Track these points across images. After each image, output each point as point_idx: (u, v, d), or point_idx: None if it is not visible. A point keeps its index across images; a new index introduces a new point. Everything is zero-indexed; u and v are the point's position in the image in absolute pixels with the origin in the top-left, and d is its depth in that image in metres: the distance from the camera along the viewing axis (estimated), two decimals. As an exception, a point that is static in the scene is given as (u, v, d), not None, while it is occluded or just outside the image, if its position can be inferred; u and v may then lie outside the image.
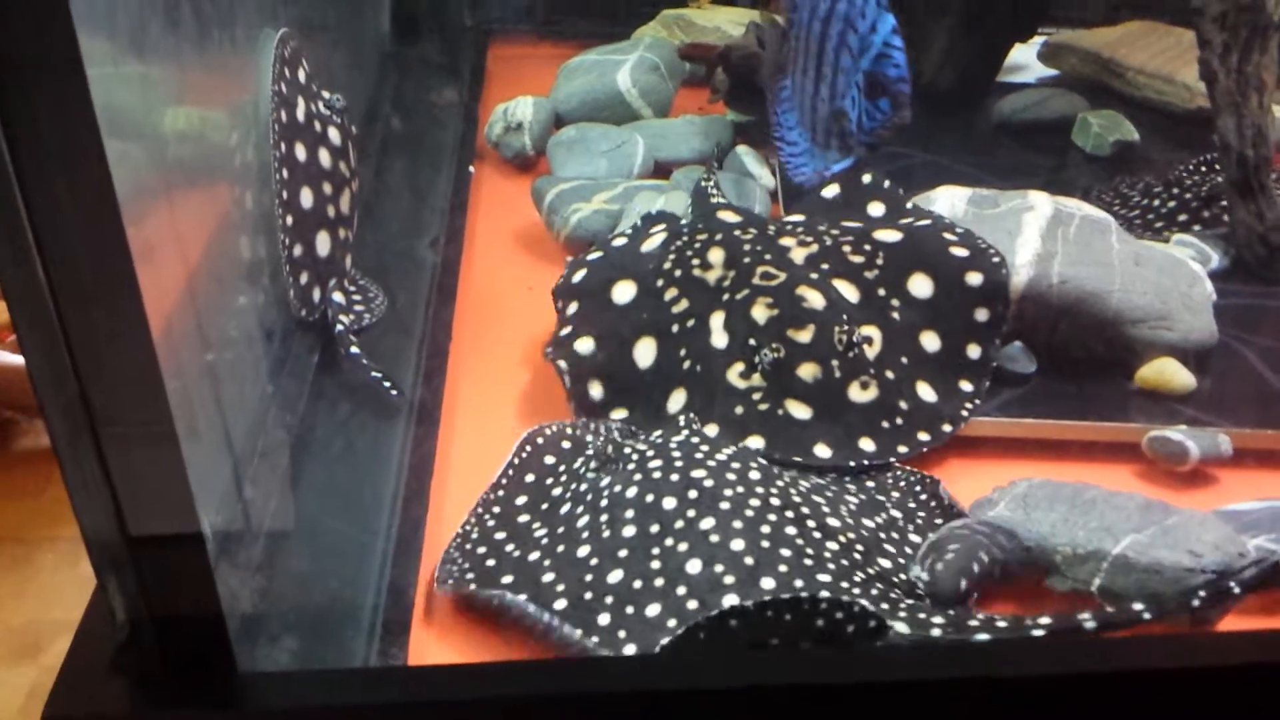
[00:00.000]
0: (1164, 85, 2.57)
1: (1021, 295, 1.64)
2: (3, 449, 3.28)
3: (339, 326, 1.67)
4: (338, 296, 1.71)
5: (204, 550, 1.10)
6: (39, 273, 0.95)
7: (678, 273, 1.68)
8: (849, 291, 1.65)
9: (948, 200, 1.84)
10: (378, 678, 1.16)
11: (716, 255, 1.67)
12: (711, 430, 1.51)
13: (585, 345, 1.61)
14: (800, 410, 1.51)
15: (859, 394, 1.52)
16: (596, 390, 1.59)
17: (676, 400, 1.57)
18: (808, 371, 1.52)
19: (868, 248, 1.70)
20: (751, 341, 1.54)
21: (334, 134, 1.70)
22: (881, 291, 1.65)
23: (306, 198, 1.63)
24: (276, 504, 1.43)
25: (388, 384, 1.60)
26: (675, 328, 1.62)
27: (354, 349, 1.63)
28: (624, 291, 1.68)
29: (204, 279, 1.32)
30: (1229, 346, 1.73)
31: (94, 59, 0.90)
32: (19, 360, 3.03)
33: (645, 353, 1.61)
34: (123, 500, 1.05)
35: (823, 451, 1.49)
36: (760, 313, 1.56)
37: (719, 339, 1.58)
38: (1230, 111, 1.84)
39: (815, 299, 1.57)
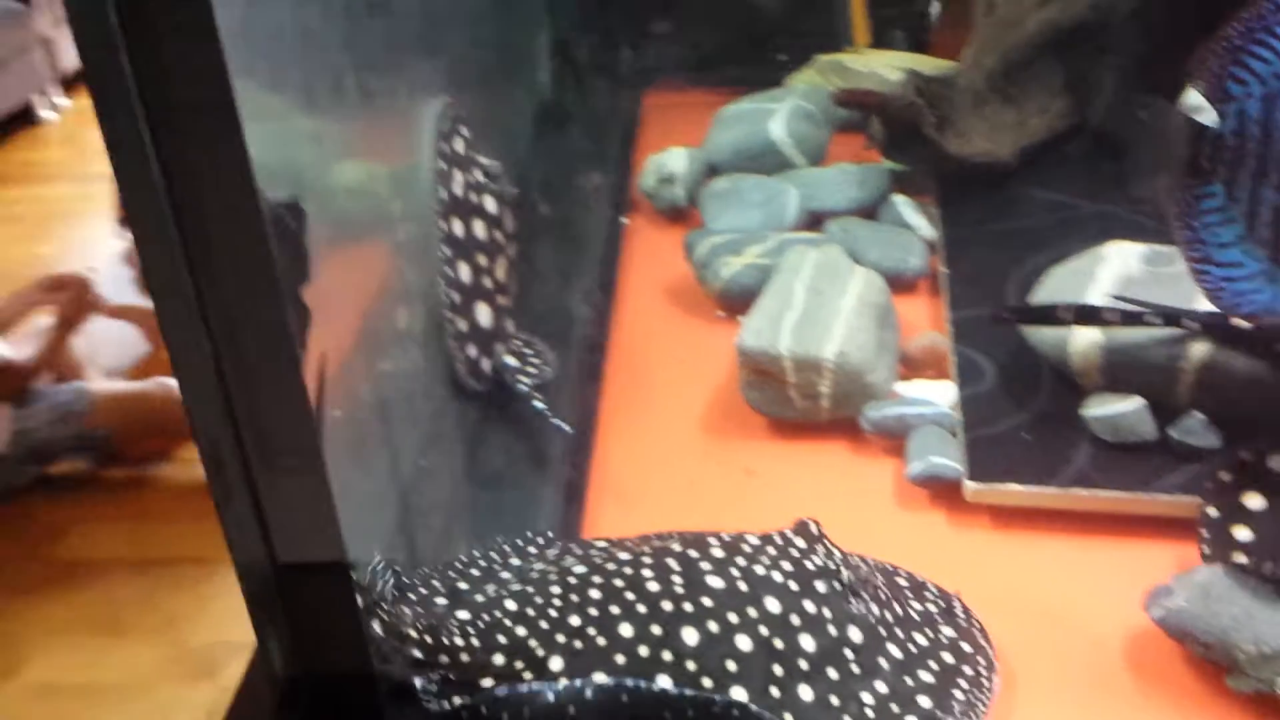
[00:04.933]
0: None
1: (1203, 364, 1.53)
2: (183, 472, 3.45)
3: (521, 386, 1.71)
4: (510, 360, 1.74)
5: (356, 612, 1.11)
6: (202, 328, 0.98)
7: None
8: None
9: (1119, 258, 1.74)
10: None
11: None
12: None
13: None
14: None
15: None
16: None
17: None
18: None
19: None
20: None
21: (490, 203, 1.73)
22: None
23: (465, 273, 1.67)
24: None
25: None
26: None
27: (538, 403, 1.68)
28: None
29: (362, 344, 1.35)
30: None
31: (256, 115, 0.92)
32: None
33: None
34: (277, 545, 1.08)
35: None
36: None
37: None
38: None
39: None
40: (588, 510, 1.60)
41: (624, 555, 1.32)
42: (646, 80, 3.10)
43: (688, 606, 1.22)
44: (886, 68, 2.74)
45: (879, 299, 1.84)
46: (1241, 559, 1.29)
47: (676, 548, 1.31)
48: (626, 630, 1.21)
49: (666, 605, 1.23)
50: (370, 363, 1.45)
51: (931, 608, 1.36)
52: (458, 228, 1.66)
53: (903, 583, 1.40)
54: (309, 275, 1.04)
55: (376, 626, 1.17)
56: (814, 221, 2.27)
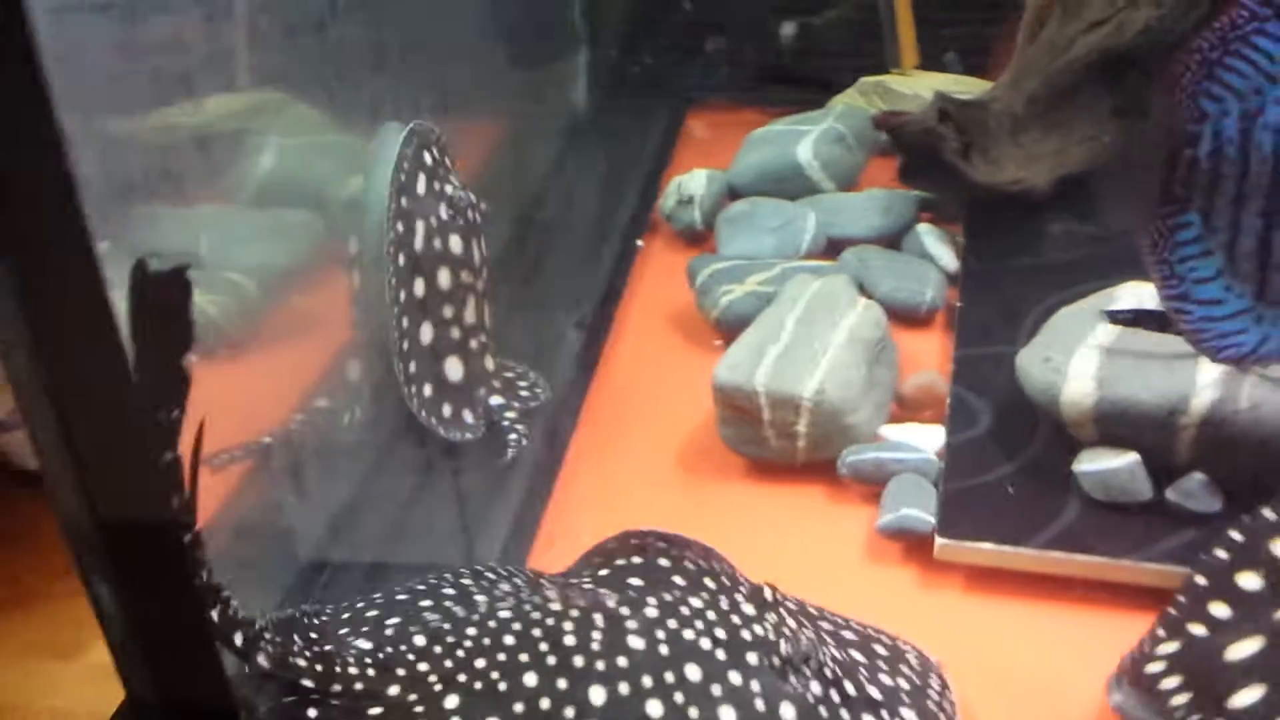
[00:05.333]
0: None
1: (1203, 419, 1.40)
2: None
3: (505, 423, 1.67)
4: (495, 399, 1.70)
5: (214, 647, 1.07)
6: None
7: None
8: None
9: (1133, 299, 1.61)
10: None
11: None
12: None
13: None
14: None
15: None
16: None
17: None
18: None
19: None
20: None
21: (456, 242, 1.64)
22: None
23: (427, 333, 1.61)
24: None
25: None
26: None
27: (514, 436, 1.66)
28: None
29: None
30: None
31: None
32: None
33: None
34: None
35: None
36: None
37: None
38: None
39: None
40: (537, 543, 1.53)
41: (555, 606, 1.25)
42: (692, 99, 3.02)
43: (600, 665, 1.15)
44: (931, 90, 2.62)
45: (873, 334, 1.73)
46: (1201, 633, 1.15)
47: (610, 603, 1.24)
48: (530, 679, 1.15)
49: (578, 661, 1.16)
50: (303, 409, 1.43)
51: (902, 683, 1.24)
52: (418, 288, 1.59)
53: (880, 650, 1.28)
54: (191, 342, 0.96)
55: (261, 660, 1.13)
56: (834, 248, 2.17)
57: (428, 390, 1.60)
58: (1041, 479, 1.50)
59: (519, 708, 1.13)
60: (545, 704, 1.13)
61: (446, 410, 1.62)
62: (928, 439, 1.63)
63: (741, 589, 1.30)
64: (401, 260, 1.56)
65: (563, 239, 2.24)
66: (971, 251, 2.07)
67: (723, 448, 1.67)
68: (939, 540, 1.44)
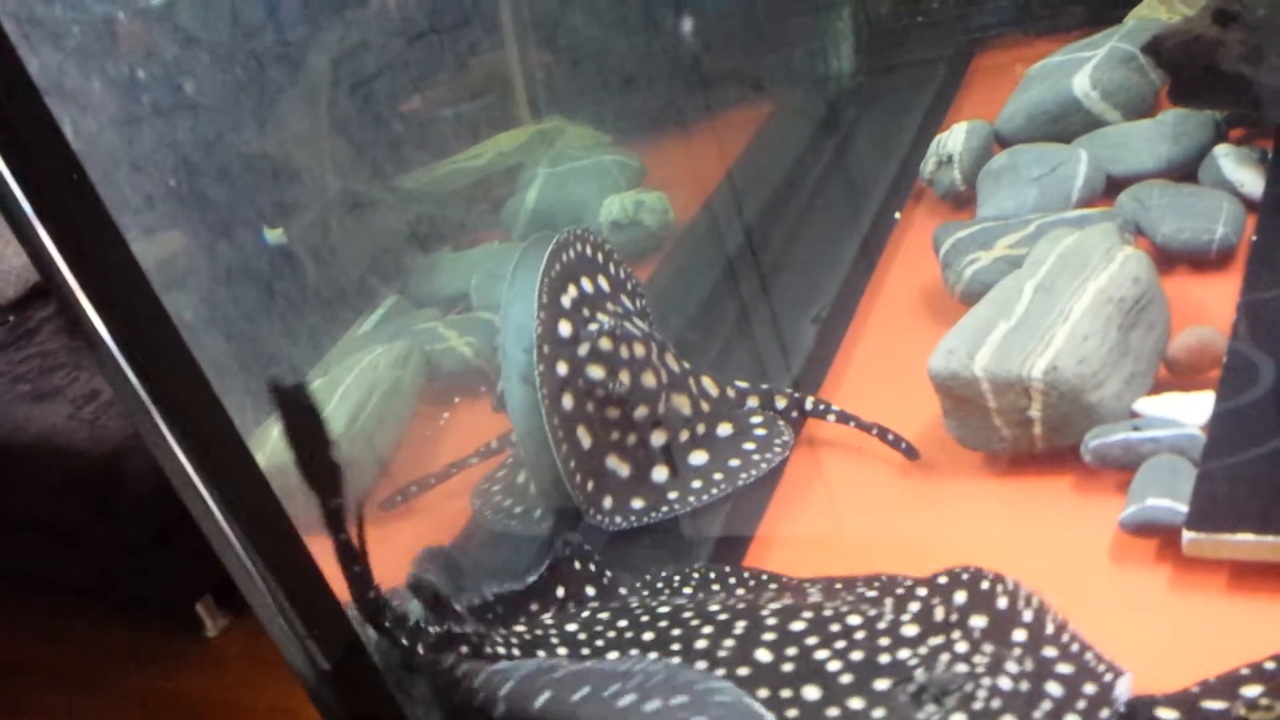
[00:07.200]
0: None
1: None
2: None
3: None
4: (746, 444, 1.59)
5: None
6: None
7: None
8: None
9: None
10: None
11: None
12: None
13: None
14: None
15: None
16: None
17: None
18: None
19: None
20: None
21: (615, 368, 1.54)
22: None
23: (585, 440, 1.51)
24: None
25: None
26: None
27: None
28: None
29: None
30: None
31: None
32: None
33: None
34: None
35: None
36: None
37: None
38: None
39: None
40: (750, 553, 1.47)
41: (712, 607, 1.22)
42: (982, 39, 2.78)
43: (719, 673, 1.11)
44: (1246, -18, 2.23)
45: (1129, 292, 1.50)
46: None
47: (762, 612, 1.17)
48: None
49: (700, 664, 1.13)
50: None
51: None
52: (571, 408, 1.49)
53: (1064, 669, 1.10)
54: (329, 441, 1.04)
55: None
56: (1116, 190, 1.91)
57: (589, 484, 1.51)
58: (1330, 451, 1.23)
59: None
60: None
61: (607, 503, 1.51)
62: (1192, 410, 1.38)
63: (938, 610, 1.18)
64: (553, 398, 1.48)
65: (810, 225, 2.13)
66: (1276, 172, 1.74)
67: (953, 443, 1.51)
68: (1186, 534, 1.21)
